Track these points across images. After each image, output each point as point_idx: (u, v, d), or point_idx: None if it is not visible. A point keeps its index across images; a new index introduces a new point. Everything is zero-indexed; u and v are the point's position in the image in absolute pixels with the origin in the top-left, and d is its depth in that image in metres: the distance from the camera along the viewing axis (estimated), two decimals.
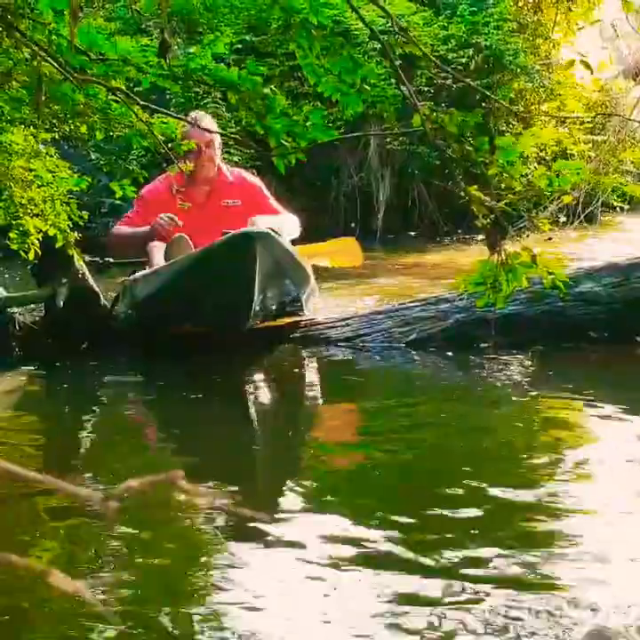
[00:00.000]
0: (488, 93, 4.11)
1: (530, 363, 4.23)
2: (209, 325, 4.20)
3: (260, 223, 4.39)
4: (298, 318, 4.62)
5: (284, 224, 4.70)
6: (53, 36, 2.68)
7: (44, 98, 2.87)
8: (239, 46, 8.36)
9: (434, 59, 2.36)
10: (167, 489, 0.64)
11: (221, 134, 4.54)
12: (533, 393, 3.83)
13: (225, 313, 4.15)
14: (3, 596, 2.04)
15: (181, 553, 2.23)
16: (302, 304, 4.60)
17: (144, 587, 2.05)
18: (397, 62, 2.39)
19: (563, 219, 8.25)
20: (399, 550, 2.13)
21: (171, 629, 1.86)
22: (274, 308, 4.44)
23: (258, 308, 4.20)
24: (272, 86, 2.49)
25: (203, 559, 2.19)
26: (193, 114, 4.85)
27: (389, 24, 2.40)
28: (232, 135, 4.41)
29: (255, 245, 3.97)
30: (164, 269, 4.28)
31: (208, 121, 4.65)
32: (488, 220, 2.16)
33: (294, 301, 4.54)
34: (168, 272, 4.24)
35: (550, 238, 7.05)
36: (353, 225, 8.75)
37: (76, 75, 2.68)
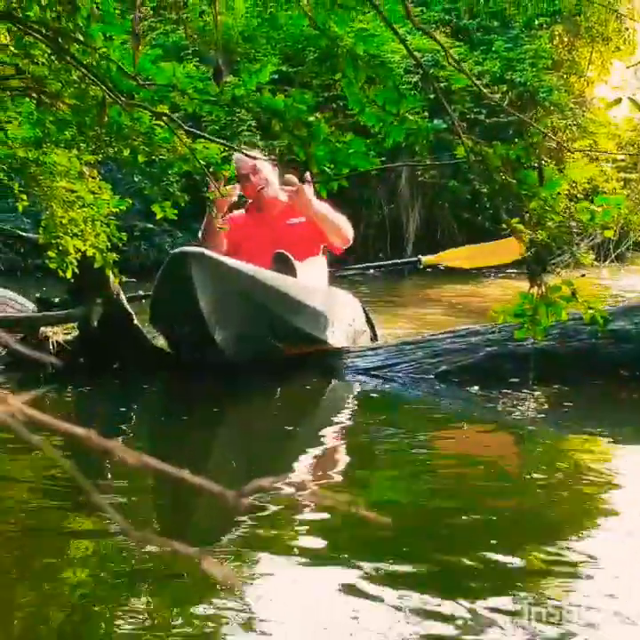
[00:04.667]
0: (534, 124, 4.12)
1: (559, 399, 4.20)
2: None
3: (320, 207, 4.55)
4: (325, 347, 4.64)
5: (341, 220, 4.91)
6: (102, 61, 2.74)
7: (89, 120, 2.92)
8: (275, 76, 8.45)
9: (482, 88, 2.37)
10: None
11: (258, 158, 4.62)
12: (561, 431, 3.80)
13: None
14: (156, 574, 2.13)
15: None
16: (320, 338, 4.58)
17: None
18: (432, 95, 2.42)
19: (593, 256, 8.25)
20: (415, 596, 2.11)
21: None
22: (277, 342, 4.40)
23: (225, 337, 4.14)
24: (317, 114, 2.52)
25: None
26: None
27: (424, 58, 2.42)
28: (272, 160, 4.45)
29: (189, 264, 3.96)
30: None
31: (255, 152, 4.82)
32: (529, 253, 2.16)
33: (306, 337, 4.51)
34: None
35: (583, 275, 7.04)
36: (381, 255, 8.78)
37: (123, 99, 2.73)
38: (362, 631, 1.89)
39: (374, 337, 5.26)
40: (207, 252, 4.09)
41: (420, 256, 6.67)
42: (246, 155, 4.01)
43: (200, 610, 1.98)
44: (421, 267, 6.57)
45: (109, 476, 2.90)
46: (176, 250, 4.15)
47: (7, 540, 2.44)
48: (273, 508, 2.59)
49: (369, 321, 5.32)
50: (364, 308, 5.38)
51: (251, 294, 4.16)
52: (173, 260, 4.01)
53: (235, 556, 2.28)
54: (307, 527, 2.51)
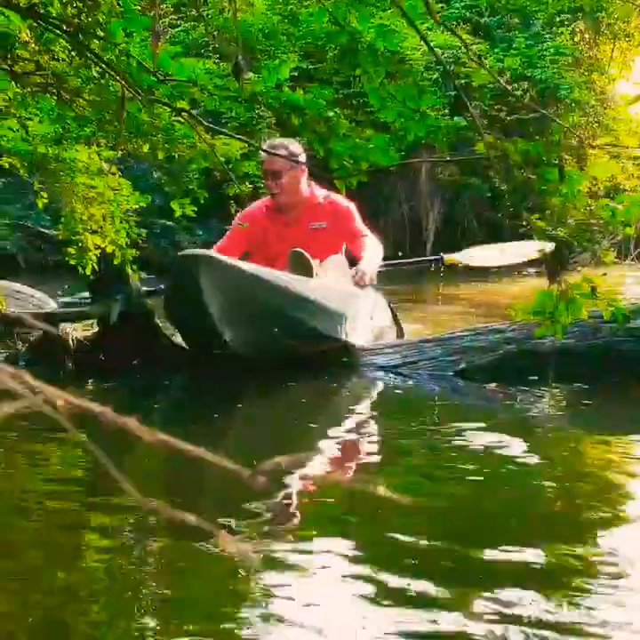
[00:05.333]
0: (556, 119, 4.10)
1: (578, 397, 4.18)
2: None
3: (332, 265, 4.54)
4: (342, 345, 4.62)
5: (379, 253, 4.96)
6: (122, 57, 2.74)
7: (109, 116, 2.93)
8: (295, 74, 8.45)
9: (502, 82, 2.36)
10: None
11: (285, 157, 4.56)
12: (580, 429, 3.78)
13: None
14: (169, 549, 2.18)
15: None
16: (335, 336, 4.56)
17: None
18: (453, 93, 2.41)
19: (614, 254, 8.20)
20: (436, 591, 2.10)
21: None
22: (292, 341, 4.40)
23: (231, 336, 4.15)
24: (336, 109, 2.51)
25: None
26: (270, 141, 4.98)
27: (444, 55, 2.41)
28: (281, 156, 4.43)
29: (196, 266, 3.96)
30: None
31: (291, 148, 4.70)
32: (549, 251, 2.15)
33: (321, 336, 4.50)
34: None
35: (605, 274, 7.01)
36: (400, 254, 8.76)
37: (143, 94, 2.73)
38: (373, 622, 1.88)
39: (401, 334, 5.23)
40: (213, 253, 4.11)
41: (442, 254, 6.65)
42: (280, 154, 4.00)
43: (217, 601, 1.98)
44: (443, 266, 6.56)
45: (128, 459, 2.91)
46: (182, 252, 4.17)
47: (30, 533, 2.45)
48: (288, 495, 2.59)
49: (395, 318, 5.31)
50: (390, 305, 5.36)
51: (257, 294, 4.16)
52: (180, 263, 4.02)
53: (249, 538, 2.27)
54: (321, 514, 2.51)
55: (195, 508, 2.58)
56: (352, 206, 5.04)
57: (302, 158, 4.69)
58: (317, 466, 2.98)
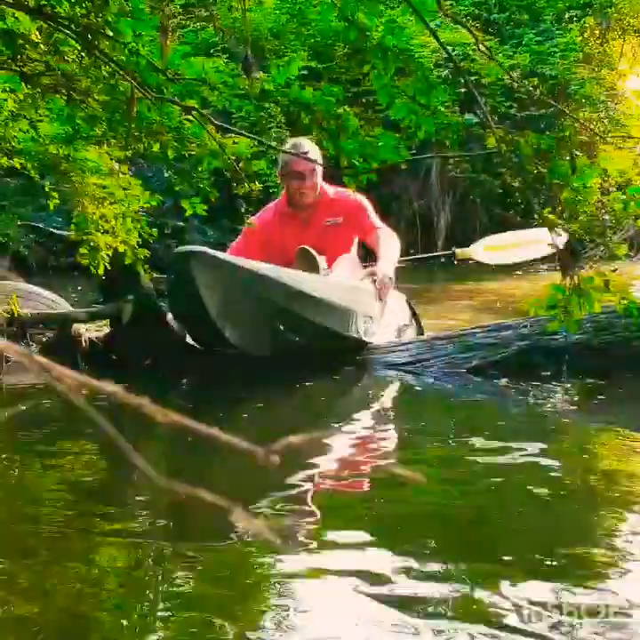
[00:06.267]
0: (568, 113, 4.09)
1: (591, 393, 4.17)
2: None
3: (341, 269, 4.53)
4: (354, 342, 4.61)
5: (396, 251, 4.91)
6: (132, 57, 2.74)
7: (119, 116, 2.94)
8: (305, 72, 8.45)
9: (512, 77, 2.35)
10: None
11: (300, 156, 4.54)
12: (592, 425, 3.77)
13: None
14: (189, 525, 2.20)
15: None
16: (344, 333, 4.54)
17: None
18: (463, 89, 2.40)
19: (626, 248, 8.16)
20: (442, 586, 2.09)
21: None
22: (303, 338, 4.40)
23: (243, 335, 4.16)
24: (345, 107, 2.51)
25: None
26: (292, 141, 4.94)
27: (454, 52, 2.41)
28: (305, 157, 4.42)
29: (191, 263, 3.96)
30: None
31: (309, 148, 4.64)
32: (562, 245, 2.14)
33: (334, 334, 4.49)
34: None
35: (615, 269, 6.98)
36: (412, 251, 8.75)
37: (152, 94, 2.74)
38: (383, 618, 1.88)
39: (420, 331, 5.20)
40: (208, 249, 4.09)
41: (454, 248, 6.64)
42: (304, 157, 4.01)
43: (230, 600, 1.99)
44: (455, 260, 6.55)
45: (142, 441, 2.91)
46: (178, 248, 4.16)
47: (43, 540, 2.46)
48: (301, 481, 2.59)
49: (415, 315, 5.28)
50: (409, 302, 5.34)
51: (253, 289, 4.15)
52: (176, 260, 4.03)
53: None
54: (333, 504, 2.51)
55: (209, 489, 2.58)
56: (364, 199, 5.02)
57: (320, 159, 4.69)
58: (330, 451, 2.98)
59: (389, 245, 4.93)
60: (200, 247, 4.14)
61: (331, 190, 4.98)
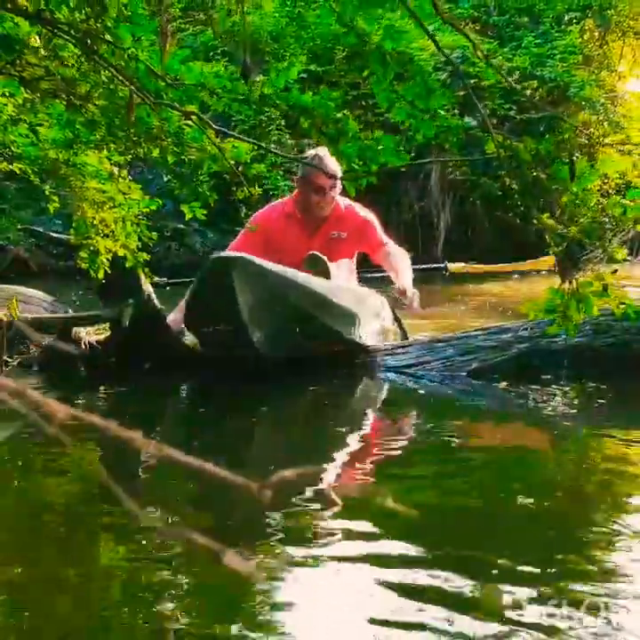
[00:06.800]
0: (565, 119, 4.10)
1: (591, 396, 4.17)
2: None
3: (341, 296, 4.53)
4: (355, 345, 4.63)
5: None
6: (131, 62, 2.75)
7: (118, 121, 2.94)
8: (304, 76, 8.45)
9: (511, 81, 2.35)
10: None
11: (290, 159, 4.56)
12: (592, 429, 3.77)
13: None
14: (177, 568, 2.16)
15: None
16: (351, 337, 4.57)
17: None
18: (462, 93, 2.40)
19: (626, 251, 8.17)
20: (443, 590, 2.09)
21: None
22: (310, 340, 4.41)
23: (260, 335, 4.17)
24: (345, 111, 2.51)
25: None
26: (312, 151, 4.86)
27: (453, 55, 2.41)
28: (304, 161, 4.42)
29: (231, 269, 3.98)
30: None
31: (331, 161, 4.43)
32: (560, 249, 2.14)
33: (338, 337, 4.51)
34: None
35: (615, 271, 6.97)
36: (412, 254, 8.75)
37: (151, 99, 2.74)
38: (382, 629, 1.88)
39: (404, 335, 5.24)
40: (247, 256, 4.13)
41: (446, 262, 6.74)
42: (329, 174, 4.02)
43: (230, 605, 1.99)
44: (447, 274, 6.63)
45: (134, 469, 2.91)
46: (216, 254, 4.18)
47: (49, 541, 2.46)
48: (299, 501, 2.59)
49: (397, 319, 5.31)
50: (391, 307, 5.37)
51: (287, 295, 4.19)
52: (214, 265, 4.04)
53: (257, 550, 2.27)
54: (332, 522, 2.50)
55: (203, 519, 2.58)
56: (372, 216, 5.06)
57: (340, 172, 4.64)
58: (327, 475, 2.97)
59: (405, 264, 4.98)
60: (237, 253, 4.21)
61: (343, 203, 4.99)
